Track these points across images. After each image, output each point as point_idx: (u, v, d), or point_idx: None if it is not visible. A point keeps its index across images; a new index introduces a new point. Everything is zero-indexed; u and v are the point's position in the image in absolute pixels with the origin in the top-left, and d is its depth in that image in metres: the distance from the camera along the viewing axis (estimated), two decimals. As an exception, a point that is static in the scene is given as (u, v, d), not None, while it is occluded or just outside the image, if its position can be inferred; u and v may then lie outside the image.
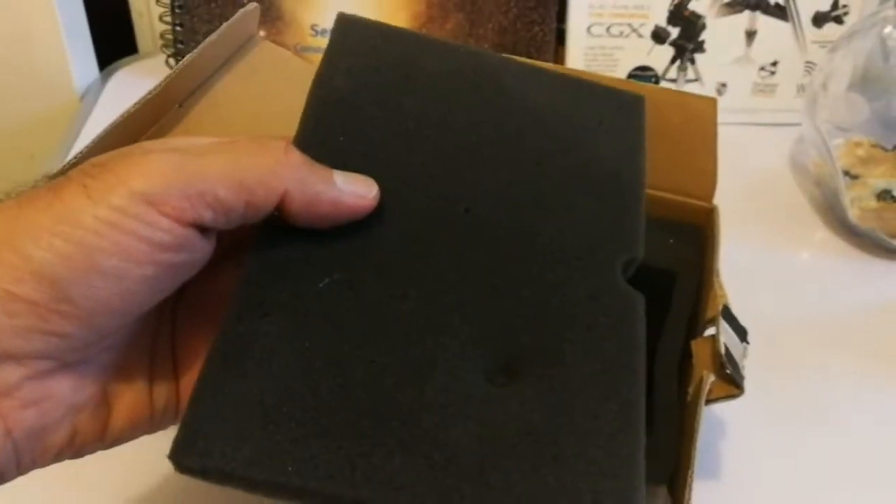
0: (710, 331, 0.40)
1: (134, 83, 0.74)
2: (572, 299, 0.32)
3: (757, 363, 0.42)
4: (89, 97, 0.72)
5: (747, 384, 0.38)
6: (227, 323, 0.29)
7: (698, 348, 0.40)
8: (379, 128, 0.34)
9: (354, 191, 0.32)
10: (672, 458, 0.37)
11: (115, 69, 0.76)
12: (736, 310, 0.41)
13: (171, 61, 0.72)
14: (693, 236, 0.46)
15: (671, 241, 0.46)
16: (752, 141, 0.71)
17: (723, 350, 0.38)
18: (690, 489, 0.32)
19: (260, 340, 0.29)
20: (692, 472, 0.33)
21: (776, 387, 0.52)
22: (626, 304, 0.33)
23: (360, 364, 0.29)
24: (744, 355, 0.40)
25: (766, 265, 0.60)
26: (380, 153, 0.33)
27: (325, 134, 0.33)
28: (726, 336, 0.39)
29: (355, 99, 0.34)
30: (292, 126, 0.41)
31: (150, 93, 0.39)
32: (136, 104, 0.39)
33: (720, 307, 0.39)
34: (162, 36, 0.73)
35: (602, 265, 0.33)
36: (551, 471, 0.27)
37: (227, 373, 0.28)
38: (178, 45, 0.70)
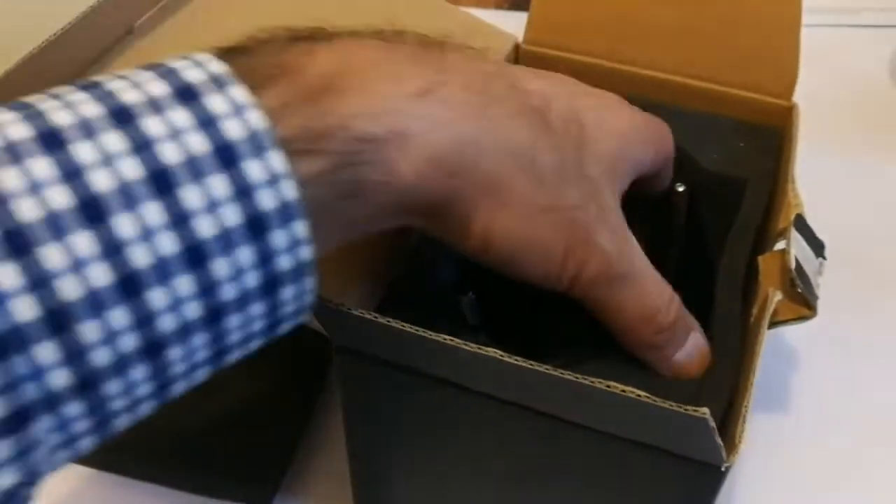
0: (781, 244, 0.35)
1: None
2: None
3: (838, 286, 0.36)
4: None
5: (823, 308, 0.33)
6: None
7: (766, 264, 0.35)
8: None
9: None
10: (730, 387, 0.32)
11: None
12: (820, 227, 0.35)
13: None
14: (768, 139, 0.40)
15: (742, 144, 0.40)
16: (848, 45, 0.64)
17: (793, 264, 0.32)
18: (744, 422, 0.27)
19: None
20: (748, 404, 0.28)
21: (857, 314, 0.46)
22: None
23: None
24: (819, 272, 0.34)
25: (858, 182, 0.54)
26: None
27: None
28: (798, 249, 0.33)
29: None
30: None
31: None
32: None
33: (793, 216, 0.34)
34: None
35: None
36: None
37: None
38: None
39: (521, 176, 0.25)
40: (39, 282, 0.18)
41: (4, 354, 0.18)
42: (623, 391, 0.25)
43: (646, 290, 0.30)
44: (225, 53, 0.23)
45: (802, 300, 0.32)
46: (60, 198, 0.19)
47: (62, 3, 0.65)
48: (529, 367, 0.25)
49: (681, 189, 0.40)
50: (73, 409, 0.20)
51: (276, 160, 0.21)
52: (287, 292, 0.23)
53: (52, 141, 0.19)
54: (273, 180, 0.21)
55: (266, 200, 0.21)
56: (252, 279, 0.22)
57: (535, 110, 0.26)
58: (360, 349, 0.29)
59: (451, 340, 0.26)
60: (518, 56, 0.44)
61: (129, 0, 0.35)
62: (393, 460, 0.34)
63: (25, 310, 0.18)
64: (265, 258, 0.21)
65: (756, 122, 0.40)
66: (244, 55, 0.23)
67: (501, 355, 0.25)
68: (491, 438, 0.31)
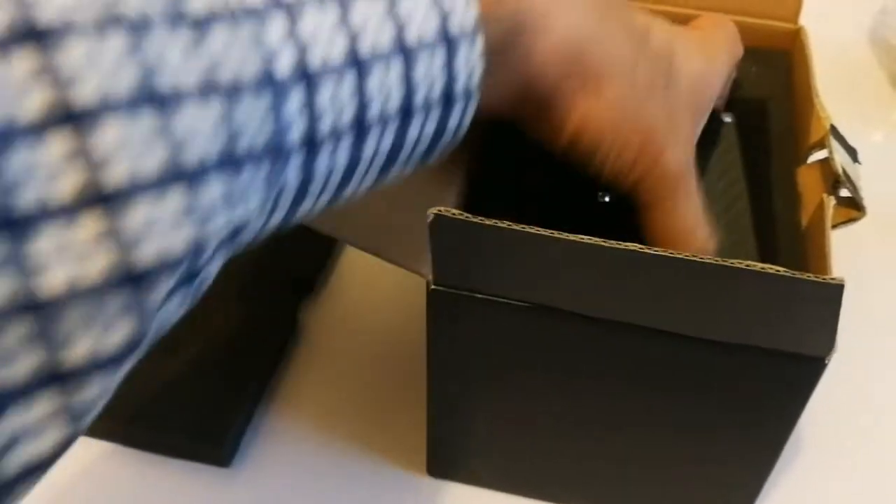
0: (818, 155, 0.36)
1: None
2: None
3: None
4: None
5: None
6: None
7: (805, 176, 0.36)
8: None
9: None
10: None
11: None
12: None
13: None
14: (779, 62, 0.41)
15: (754, 69, 0.41)
16: (827, 10, 0.63)
17: (840, 169, 0.34)
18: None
19: None
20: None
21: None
22: None
23: None
24: (858, 176, 0.35)
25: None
26: None
27: None
28: (840, 155, 0.34)
29: None
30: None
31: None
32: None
33: (827, 127, 0.35)
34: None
35: None
36: None
37: None
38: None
39: (621, 79, 0.28)
40: (300, 45, 0.20)
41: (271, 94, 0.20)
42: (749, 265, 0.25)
43: (689, 211, 0.31)
44: None
45: (852, 203, 0.34)
46: None
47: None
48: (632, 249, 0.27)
49: (728, 120, 0.40)
50: (293, 174, 0.21)
51: None
52: (456, 111, 0.24)
53: None
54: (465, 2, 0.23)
55: (456, 18, 0.23)
56: (438, 86, 0.23)
57: (640, 29, 0.30)
58: (459, 284, 0.29)
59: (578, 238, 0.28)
60: None
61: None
62: (479, 400, 0.34)
63: (286, 63, 0.20)
64: (450, 68, 0.23)
65: (765, 47, 0.42)
66: None
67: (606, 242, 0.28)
68: (582, 362, 0.31)
